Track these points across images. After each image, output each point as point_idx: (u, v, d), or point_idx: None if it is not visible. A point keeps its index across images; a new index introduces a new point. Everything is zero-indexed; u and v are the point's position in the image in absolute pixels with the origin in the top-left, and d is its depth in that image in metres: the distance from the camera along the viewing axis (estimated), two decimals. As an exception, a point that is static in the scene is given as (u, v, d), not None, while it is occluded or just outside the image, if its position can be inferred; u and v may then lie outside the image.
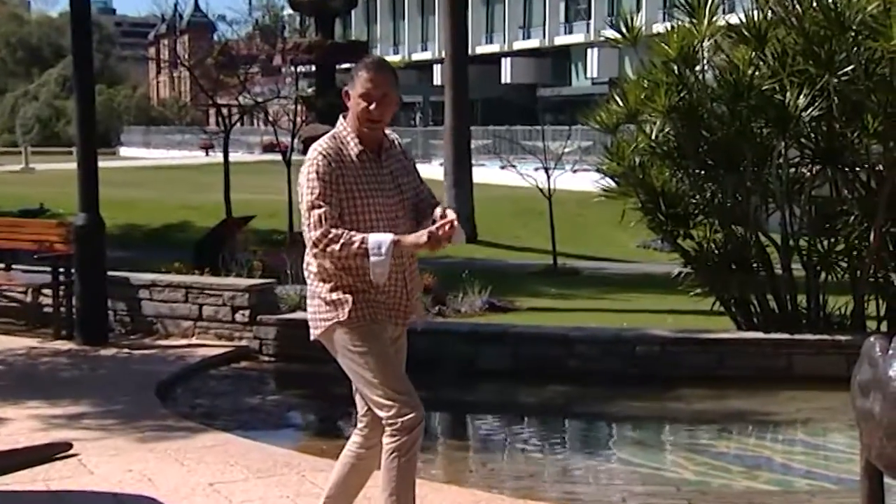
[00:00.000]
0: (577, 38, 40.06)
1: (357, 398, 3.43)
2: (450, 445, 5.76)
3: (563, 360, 7.07)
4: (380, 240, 3.18)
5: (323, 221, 3.22)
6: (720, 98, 7.06)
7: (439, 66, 33.49)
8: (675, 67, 7.12)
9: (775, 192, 7.03)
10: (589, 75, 38.53)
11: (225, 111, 17.69)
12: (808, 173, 7.12)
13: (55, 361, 7.18)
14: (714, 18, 7.02)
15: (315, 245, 3.24)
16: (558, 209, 15.25)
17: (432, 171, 22.08)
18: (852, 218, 6.99)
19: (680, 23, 7.18)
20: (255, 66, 19.95)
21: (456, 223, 3.23)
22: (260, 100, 18.95)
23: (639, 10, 30.59)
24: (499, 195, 21.32)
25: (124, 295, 8.03)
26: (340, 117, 3.39)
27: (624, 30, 7.40)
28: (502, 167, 21.52)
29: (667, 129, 7.22)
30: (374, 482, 3.46)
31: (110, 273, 7.90)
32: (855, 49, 6.56)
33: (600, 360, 7.01)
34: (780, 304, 7.15)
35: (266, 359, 7.55)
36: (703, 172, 7.25)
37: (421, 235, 3.23)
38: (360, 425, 3.44)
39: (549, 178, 15.02)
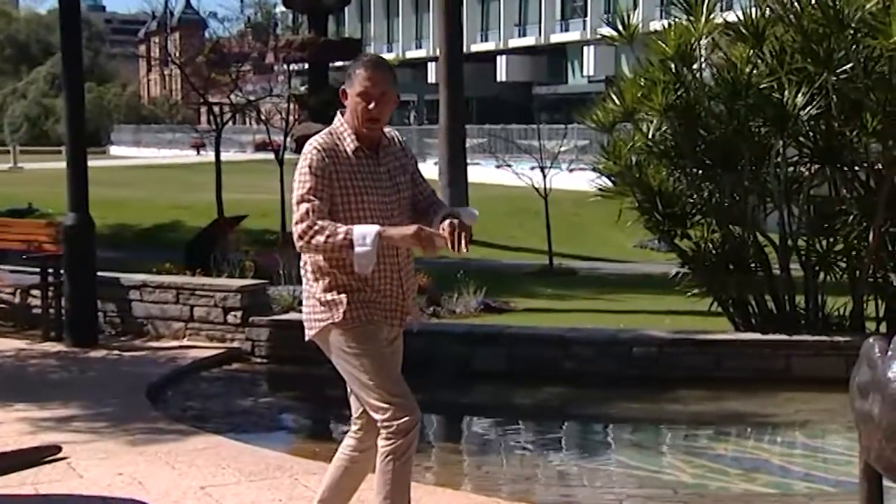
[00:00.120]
0: (574, 35, 40.01)
1: (352, 400, 3.41)
2: (444, 448, 5.73)
3: (559, 361, 7.05)
4: (365, 231, 3.16)
5: (310, 214, 3.20)
6: (718, 96, 7.04)
7: (434, 64, 33.52)
8: (673, 65, 7.10)
9: (773, 191, 7.02)
10: (585, 73, 38.49)
11: (216, 109, 17.62)
12: (807, 172, 7.11)
13: (44, 363, 7.14)
14: (711, 16, 6.99)
15: (300, 238, 3.21)
16: (554, 209, 15.24)
17: (427, 170, 21.82)
18: (851, 217, 6.98)
19: (677, 20, 7.15)
20: (246, 64, 19.89)
21: (455, 230, 3.16)
22: (252, 98, 18.89)
23: (635, 7, 30.48)
24: (494, 195, 21.30)
25: (114, 296, 8.00)
26: (338, 114, 3.37)
27: (620, 27, 7.37)
28: (498, 166, 21.51)
29: (664, 128, 7.21)
30: (368, 485, 3.44)
31: (100, 274, 7.85)
32: (854, 47, 6.54)
33: (596, 362, 6.99)
34: (778, 304, 7.13)
35: (258, 360, 7.52)
36: (700, 172, 7.23)
37: (407, 229, 3.19)
38: (354, 427, 3.42)
39: (544, 177, 15.00)
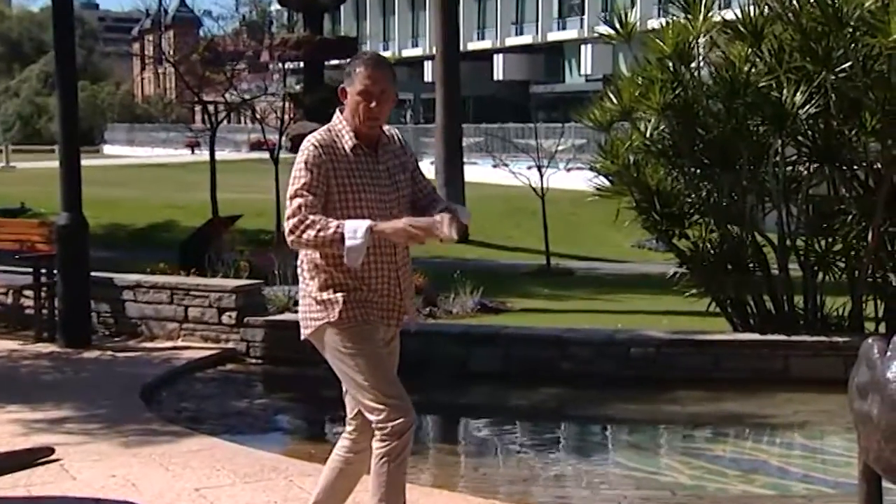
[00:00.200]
0: (571, 33, 40.00)
1: (347, 400, 3.39)
2: (441, 449, 5.72)
3: (557, 362, 7.02)
4: (356, 225, 3.13)
5: (302, 209, 3.18)
6: (716, 95, 7.03)
7: (430, 62, 33.40)
8: (671, 64, 7.08)
9: (772, 190, 7.00)
10: (583, 72, 38.47)
11: (211, 108, 17.58)
12: (806, 172, 7.09)
13: (37, 364, 7.11)
14: (710, 14, 6.98)
15: (291, 232, 3.19)
16: (551, 208, 15.24)
17: (423, 169, 21.91)
18: (850, 217, 6.96)
19: (675, 19, 7.14)
20: (241, 63, 19.84)
21: (447, 219, 3.14)
22: (247, 97, 18.84)
23: (633, 5, 30.47)
24: (491, 194, 21.31)
25: (108, 296, 7.97)
26: (337, 112, 3.35)
27: (618, 26, 7.37)
28: (494, 166, 21.48)
29: (662, 127, 7.19)
30: (364, 487, 3.43)
31: (93, 274, 7.83)
32: (853, 45, 6.53)
33: (594, 362, 6.97)
34: (776, 304, 7.12)
35: (253, 361, 7.49)
36: (698, 171, 7.21)
37: (398, 222, 3.17)
38: (348, 428, 3.40)
39: (541, 176, 14.99)
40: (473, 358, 7.15)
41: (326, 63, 16.52)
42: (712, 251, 7.28)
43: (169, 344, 7.63)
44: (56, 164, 7.88)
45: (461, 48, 21.15)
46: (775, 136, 6.81)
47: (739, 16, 6.94)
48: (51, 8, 7.70)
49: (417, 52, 45.65)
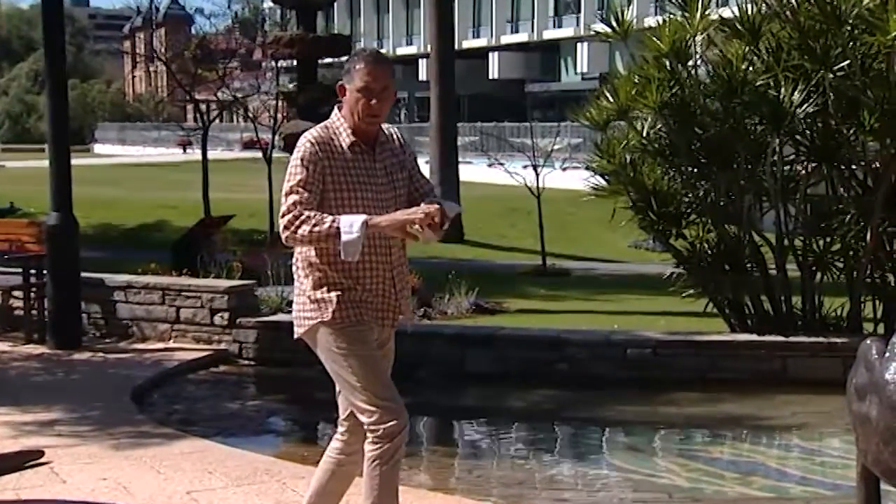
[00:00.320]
0: (567, 32, 39.98)
1: (340, 400, 3.37)
2: (436, 451, 5.70)
3: (553, 363, 7.01)
4: (352, 219, 3.12)
5: (297, 205, 3.17)
6: (713, 94, 7.00)
7: (425, 60, 33.42)
8: (667, 62, 7.06)
9: (769, 190, 6.98)
10: (579, 70, 38.45)
11: (203, 107, 17.57)
12: (804, 171, 7.08)
13: (26, 366, 7.08)
14: (707, 12, 6.96)
15: (286, 228, 3.17)
16: (547, 208, 15.23)
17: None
18: (848, 217, 6.93)
19: (672, 16, 7.11)
20: (234, 61, 19.83)
21: (434, 210, 3.11)
22: (239, 95, 18.83)
23: (630, 3, 30.48)
24: (486, 194, 21.31)
25: (99, 297, 7.94)
26: (335, 109, 3.33)
27: (614, 24, 7.33)
28: (490, 165, 21.47)
29: (658, 126, 7.17)
30: (357, 490, 3.40)
31: (84, 274, 7.79)
32: (851, 44, 6.51)
33: (590, 364, 6.96)
34: (774, 305, 7.10)
35: (246, 363, 7.48)
36: (695, 170, 7.19)
37: (394, 215, 3.15)
38: (340, 429, 3.38)
39: (537, 176, 14.97)
40: (469, 359, 7.12)
41: (320, 61, 16.45)
42: (709, 251, 7.25)
43: (160, 345, 7.61)
44: (46, 163, 7.84)
45: (456, 46, 21.16)
46: (773, 135, 6.79)
47: (737, 14, 6.91)
48: (40, 5, 7.68)
49: (412, 50, 45.56)
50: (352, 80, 3.24)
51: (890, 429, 3.07)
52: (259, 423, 6.35)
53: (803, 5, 6.65)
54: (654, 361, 6.91)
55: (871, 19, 6.32)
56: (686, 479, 5.00)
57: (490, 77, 41.98)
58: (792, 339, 6.83)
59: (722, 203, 7.12)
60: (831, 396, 5.32)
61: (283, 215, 3.18)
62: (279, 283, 8.38)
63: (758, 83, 6.77)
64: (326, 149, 3.22)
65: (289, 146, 14.41)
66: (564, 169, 17.18)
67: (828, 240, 7.06)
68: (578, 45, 37.68)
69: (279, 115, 17.60)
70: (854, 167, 7.03)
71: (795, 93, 6.58)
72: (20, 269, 7.91)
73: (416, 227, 3.11)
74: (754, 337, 6.95)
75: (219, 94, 18.29)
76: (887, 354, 3.17)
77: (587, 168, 7.75)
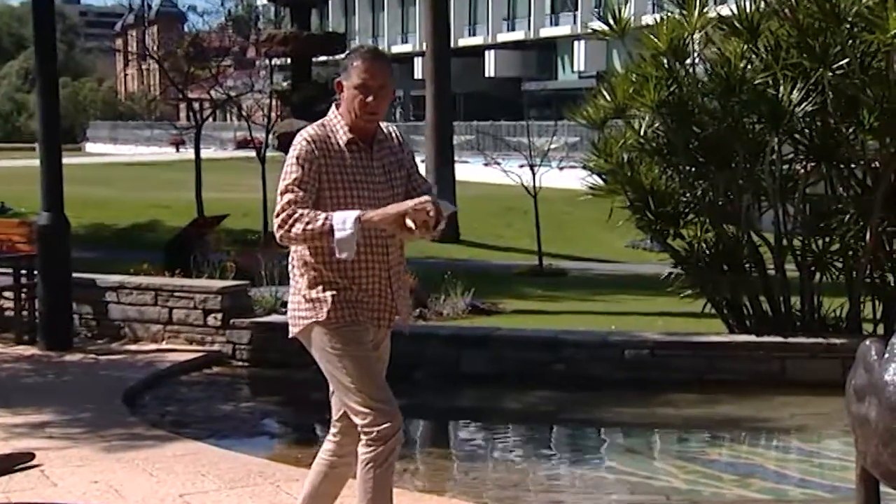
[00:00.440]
0: (564, 30, 39.99)
1: (333, 401, 3.36)
2: (431, 453, 5.70)
3: (550, 364, 6.99)
4: (345, 216, 3.11)
5: (291, 204, 3.17)
6: (711, 92, 6.98)
7: (420, 59, 33.37)
8: (665, 61, 7.03)
9: (768, 189, 6.96)
10: (576, 69, 38.47)
11: (196, 105, 17.51)
12: (802, 170, 7.07)
13: (17, 367, 7.05)
14: (705, 10, 6.94)
15: (280, 227, 3.17)
16: (544, 208, 15.22)
17: (414, 168, 21.95)
18: (848, 216, 6.91)
19: (669, 14, 7.09)
20: (227, 59, 19.78)
21: (426, 202, 3.09)
22: (233, 94, 18.75)
23: (627, 1, 30.41)
24: (482, 193, 21.29)
25: (90, 298, 7.90)
26: (332, 107, 3.35)
27: (612, 22, 7.32)
28: (486, 164, 21.44)
29: (656, 125, 7.14)
30: (351, 492, 3.37)
31: (75, 275, 7.76)
32: (850, 42, 6.49)
33: (587, 365, 6.94)
34: (773, 305, 7.08)
35: (239, 364, 7.45)
36: (693, 169, 7.16)
37: (387, 209, 3.12)
38: (332, 430, 3.37)
39: (534, 175, 14.96)
40: (465, 360, 7.10)
41: (314, 59, 16.41)
42: (707, 251, 7.23)
43: (153, 346, 7.58)
44: (37, 162, 7.81)
45: (452, 44, 21.14)
46: (771, 134, 6.76)
47: (735, 12, 6.90)
48: (30, 2, 7.66)
49: (407, 48, 45.50)
50: (349, 76, 3.23)
51: (889, 430, 3.07)
52: (252, 425, 6.31)
53: (802, 3, 6.63)
54: (651, 362, 6.90)
55: (871, 17, 6.30)
56: (684, 481, 4.98)
57: (486, 75, 41.98)
58: (791, 339, 6.81)
59: (720, 202, 7.10)
60: (830, 398, 5.33)
61: (278, 214, 3.16)
62: (273, 284, 8.36)
63: (756, 82, 6.75)
64: (323, 147, 3.21)
65: (283, 145, 14.35)
66: (561, 168, 17.13)
67: (827, 239, 7.04)
68: (575, 43, 37.67)
69: (273, 114, 17.53)
70: (853, 166, 7.01)
71: (794, 91, 6.55)
72: (10, 270, 7.87)
73: (409, 221, 3.08)
74: (753, 338, 6.93)
75: (212, 92, 18.20)
76: (886, 355, 3.19)
77: (584, 167, 7.71)
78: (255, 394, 7.11)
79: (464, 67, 35.51)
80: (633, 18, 7.73)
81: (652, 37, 6.99)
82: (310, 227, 3.10)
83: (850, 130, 6.77)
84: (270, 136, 16.93)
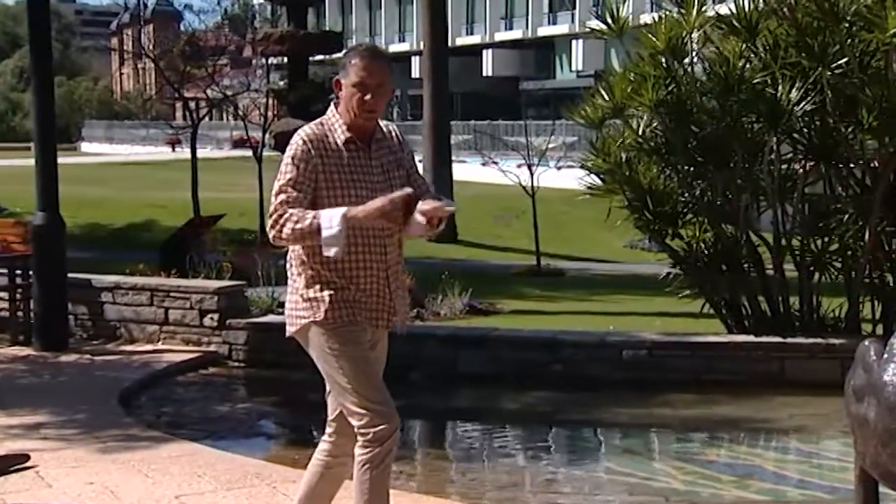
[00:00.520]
0: (562, 29, 39.98)
1: (329, 400, 3.34)
2: (428, 454, 5.69)
3: (547, 364, 6.97)
4: (331, 213, 3.10)
5: (283, 205, 3.17)
6: (710, 92, 6.96)
7: (417, 58, 33.31)
8: (663, 60, 7.01)
9: (767, 189, 6.94)
10: (574, 68, 38.45)
11: (192, 105, 17.48)
12: (801, 170, 7.05)
13: (12, 368, 7.03)
14: (703, 9, 6.92)
15: (272, 228, 3.18)
16: (542, 207, 15.21)
17: (411, 168, 21.95)
18: (847, 216, 6.90)
19: (668, 13, 7.07)
20: (223, 58, 19.75)
21: (406, 195, 3.09)
22: (229, 93, 18.73)
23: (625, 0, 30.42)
24: (480, 193, 21.26)
25: (86, 298, 7.88)
26: (331, 105, 3.33)
27: (610, 21, 7.29)
28: (483, 164, 21.43)
29: (654, 124, 7.12)
30: (348, 493, 3.35)
31: (71, 275, 7.74)
32: (849, 41, 6.48)
33: (585, 365, 6.92)
34: (771, 306, 7.07)
35: (236, 364, 7.43)
36: (691, 169, 7.14)
37: (371, 204, 3.09)
38: (328, 430, 3.36)
39: (532, 175, 14.95)
40: (462, 360, 7.08)
41: (311, 58, 16.40)
42: (706, 251, 7.22)
43: (149, 347, 7.57)
44: (32, 161, 7.78)
45: (449, 43, 21.07)
46: (770, 133, 6.75)
47: (734, 10, 6.88)
48: (26, 1, 7.62)
49: (404, 47, 45.46)
50: (347, 75, 3.21)
51: (888, 431, 3.06)
52: (249, 426, 6.30)
53: (801, 2, 6.62)
54: (649, 363, 6.88)
55: (870, 16, 6.30)
56: (682, 482, 4.97)
57: (484, 74, 41.97)
58: (789, 340, 6.80)
59: (719, 202, 7.08)
60: (829, 398, 5.34)
61: (270, 215, 3.17)
62: (269, 284, 8.34)
63: (755, 81, 6.73)
64: (319, 146, 3.19)
65: (279, 144, 14.33)
66: (559, 168, 17.13)
67: (826, 239, 7.03)
68: (573, 42, 37.65)
69: (270, 113, 17.51)
70: (852, 166, 7.00)
71: (793, 91, 6.54)
72: (6, 270, 7.85)
73: (419, 216, 3.08)
74: (751, 338, 6.92)
75: (208, 91, 18.18)
76: (885, 356, 3.18)
77: (582, 167, 7.70)
78: (252, 395, 7.10)
79: (461, 66, 35.50)
80: (631, 17, 7.70)
81: (650, 36, 6.96)
82: (298, 226, 3.10)
83: (849, 130, 6.75)
84: (267, 136, 16.92)
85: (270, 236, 3.19)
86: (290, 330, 3.29)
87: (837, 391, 3.65)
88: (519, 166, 16.18)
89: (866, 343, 3.32)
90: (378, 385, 3.21)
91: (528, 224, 15.41)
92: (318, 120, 3.28)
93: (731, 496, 4.80)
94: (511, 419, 6.42)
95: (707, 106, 6.96)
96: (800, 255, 7.03)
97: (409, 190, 3.12)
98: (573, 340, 7.09)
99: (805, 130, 6.86)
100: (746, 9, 6.80)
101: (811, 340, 6.76)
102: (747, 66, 6.83)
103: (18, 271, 7.77)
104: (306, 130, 3.23)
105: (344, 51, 3.43)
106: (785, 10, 6.68)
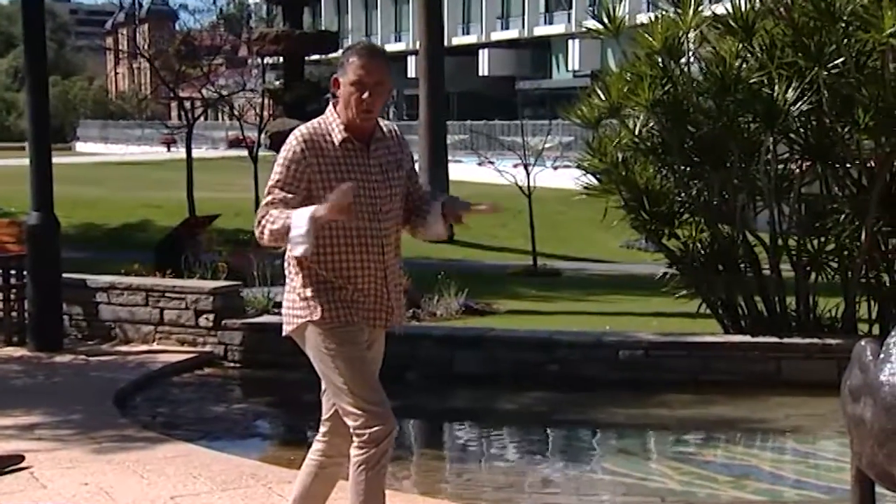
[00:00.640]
0: (558, 28, 40.02)
1: (324, 400, 3.34)
2: (424, 454, 5.68)
3: (544, 364, 6.96)
4: (302, 212, 3.07)
5: (268, 206, 3.16)
6: (706, 92, 6.95)
7: (413, 57, 33.32)
8: (660, 60, 7.01)
9: (763, 189, 6.93)
10: (570, 68, 38.49)
11: (188, 104, 17.46)
12: (798, 170, 7.04)
13: (6, 369, 7.01)
14: (700, 8, 6.90)
15: (255, 228, 3.18)
16: (538, 208, 15.21)
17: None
18: (843, 216, 6.91)
19: (664, 13, 7.07)
20: (219, 58, 19.73)
21: (350, 188, 3.07)
22: (225, 93, 18.73)
23: (621, -1, 30.46)
24: (476, 193, 21.17)
25: (80, 298, 7.86)
26: (330, 104, 3.32)
27: (606, 20, 7.28)
28: (479, 163, 21.42)
29: (651, 124, 7.11)
30: (343, 493, 3.35)
31: (65, 275, 7.73)
32: (845, 41, 6.47)
33: (582, 365, 6.92)
34: (768, 306, 7.06)
35: (231, 365, 7.42)
36: (688, 169, 7.14)
37: (329, 198, 3.04)
38: (322, 430, 3.35)
39: (528, 175, 14.95)
40: (458, 361, 7.07)
41: (307, 58, 16.37)
42: (702, 251, 7.21)
43: (144, 347, 7.55)
44: (26, 161, 7.77)
45: (445, 43, 21.09)
46: (767, 133, 6.74)
47: (730, 10, 6.88)
48: (20, 0, 7.59)
49: (400, 46, 45.45)
50: (345, 73, 3.19)
51: (885, 431, 3.06)
52: (244, 427, 6.30)
53: (797, 2, 6.61)
54: (646, 363, 6.87)
55: (866, 16, 6.29)
56: (679, 482, 4.96)
57: (480, 74, 41.99)
58: (786, 340, 6.79)
59: (715, 202, 7.08)
60: (826, 398, 5.34)
61: (256, 216, 3.19)
62: (265, 284, 8.31)
63: (751, 81, 6.72)
64: (315, 145, 3.17)
65: (275, 144, 14.29)
66: (555, 168, 17.15)
67: (822, 239, 7.02)
68: (570, 42, 37.68)
69: (265, 113, 17.51)
70: (848, 166, 6.99)
71: (789, 90, 6.53)
72: (0, 270, 7.80)
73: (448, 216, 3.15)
74: (748, 338, 6.91)
75: (203, 91, 18.16)
76: (882, 356, 3.17)
77: (578, 167, 7.69)
78: (247, 395, 7.09)
79: (457, 66, 35.49)
80: (627, 17, 7.73)
81: (647, 35, 6.96)
82: (275, 227, 3.09)
83: (846, 130, 6.74)
84: (262, 136, 16.89)
85: (257, 237, 3.19)
86: (286, 329, 3.28)
87: (834, 391, 3.63)
88: (515, 166, 16.18)
89: (863, 343, 3.31)
90: (374, 386, 3.20)
91: (524, 224, 15.41)
92: (316, 119, 3.26)
93: (727, 496, 4.79)
94: (507, 419, 6.41)
95: (703, 106, 6.95)
96: (796, 255, 7.03)
97: (347, 185, 3.06)
98: (569, 340, 7.08)
99: (801, 130, 6.85)
100: (743, 9, 6.79)
101: (808, 341, 6.75)
102: (744, 65, 6.83)
103: (13, 271, 7.75)
104: (302, 130, 3.21)
105: (340, 50, 3.43)
106: (781, 9, 6.68)
